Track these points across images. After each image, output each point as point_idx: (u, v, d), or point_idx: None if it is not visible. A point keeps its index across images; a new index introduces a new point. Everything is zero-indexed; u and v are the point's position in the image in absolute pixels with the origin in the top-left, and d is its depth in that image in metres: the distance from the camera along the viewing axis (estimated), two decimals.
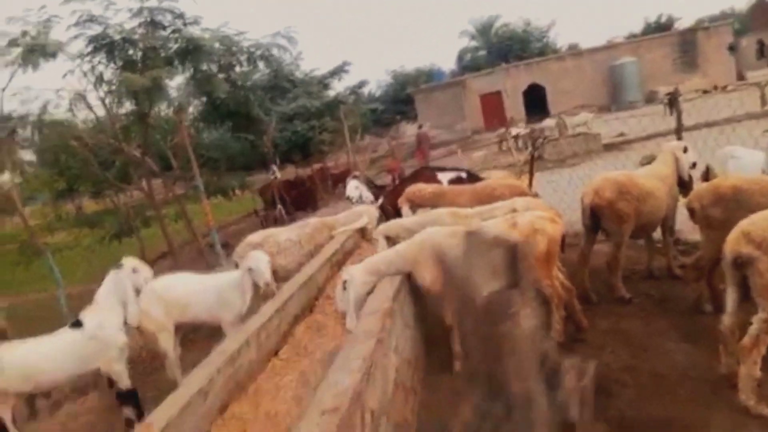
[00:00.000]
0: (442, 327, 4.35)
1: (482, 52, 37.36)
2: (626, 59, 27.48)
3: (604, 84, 28.13)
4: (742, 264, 2.74)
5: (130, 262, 4.08)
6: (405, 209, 6.28)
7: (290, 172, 18.20)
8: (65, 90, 9.79)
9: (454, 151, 18.65)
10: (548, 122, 19.42)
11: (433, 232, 3.91)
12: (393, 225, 4.88)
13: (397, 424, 2.92)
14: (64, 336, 3.90)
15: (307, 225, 5.70)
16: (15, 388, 3.77)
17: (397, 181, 10.70)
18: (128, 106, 10.24)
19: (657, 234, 5.01)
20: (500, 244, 2.56)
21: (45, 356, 3.78)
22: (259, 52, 11.58)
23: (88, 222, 12.01)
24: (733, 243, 2.79)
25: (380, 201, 6.86)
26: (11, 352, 3.77)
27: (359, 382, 2.40)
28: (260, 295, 4.12)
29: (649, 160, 5.93)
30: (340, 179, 17.51)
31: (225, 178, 14.99)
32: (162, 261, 11.96)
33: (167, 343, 4.21)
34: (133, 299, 3.97)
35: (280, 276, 5.15)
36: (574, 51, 32.77)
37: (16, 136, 10.80)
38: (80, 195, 17.87)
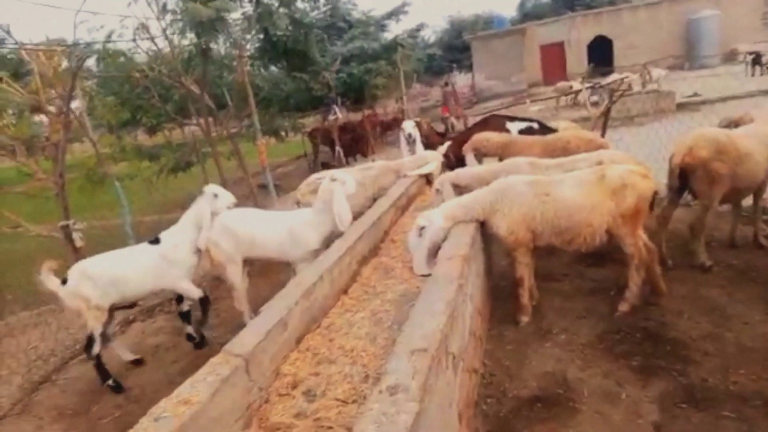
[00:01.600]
0: (510, 279, 4.27)
1: (546, 0, 35.14)
2: (707, 12, 25.17)
3: (680, 39, 26.02)
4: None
5: (211, 188, 4.21)
6: (470, 157, 6.08)
7: (341, 117, 18.00)
8: (129, 18, 9.82)
9: (517, 103, 17.82)
10: (610, 78, 18.27)
11: (513, 180, 3.73)
12: (463, 173, 4.72)
13: (470, 371, 2.89)
14: (143, 250, 4.12)
15: (372, 168, 5.60)
16: (106, 300, 3.94)
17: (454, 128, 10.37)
18: (190, 38, 10.19)
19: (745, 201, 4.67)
20: None
21: (128, 267, 3.98)
22: None
23: (149, 154, 12.33)
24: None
25: (444, 148, 6.64)
26: (96, 265, 3.96)
27: (445, 324, 2.34)
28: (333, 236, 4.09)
29: (729, 123, 5.43)
30: (390, 127, 17.22)
31: (277, 118, 14.98)
32: None
33: (235, 276, 4.29)
34: (208, 224, 4.10)
35: None
36: (650, 1, 30.34)
37: (81, 65, 11.00)
38: (137, 129, 18.35)
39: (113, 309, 4.11)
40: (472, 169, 4.82)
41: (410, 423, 1.70)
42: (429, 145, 7.47)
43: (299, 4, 11.70)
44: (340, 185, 4.06)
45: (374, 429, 1.69)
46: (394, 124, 15.77)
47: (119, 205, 7.51)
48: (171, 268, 4.07)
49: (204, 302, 4.25)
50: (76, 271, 3.92)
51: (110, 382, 3.96)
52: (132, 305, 4.39)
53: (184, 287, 4.16)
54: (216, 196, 4.21)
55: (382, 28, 16.81)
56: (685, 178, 4.20)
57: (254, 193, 11.15)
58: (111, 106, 11.08)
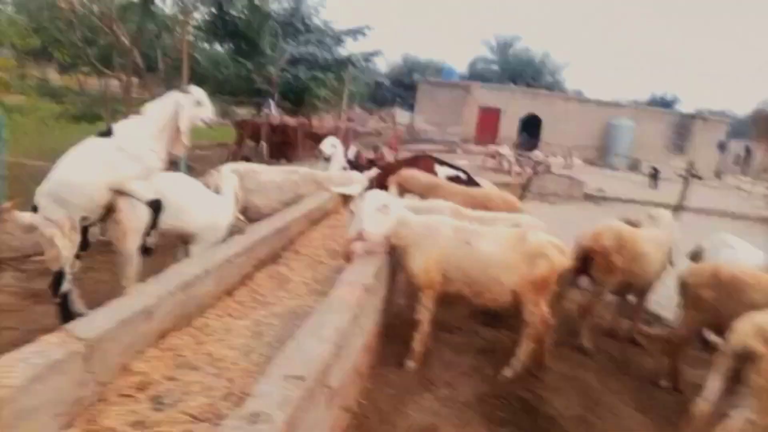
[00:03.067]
0: (405, 320, 4.15)
1: (495, 67, 37.33)
2: (626, 121, 28.08)
3: (598, 137, 28.66)
4: (745, 358, 2.63)
5: (198, 92, 3.65)
6: (392, 190, 6.01)
7: (276, 117, 17.49)
8: None
9: (449, 151, 18.37)
10: (536, 154, 19.52)
11: (441, 221, 3.66)
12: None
13: (343, 408, 2.67)
14: (90, 145, 3.44)
15: (296, 172, 5.32)
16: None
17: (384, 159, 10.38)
18: None
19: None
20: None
21: (74, 168, 3.33)
22: None
23: (53, 93, 11.03)
24: (743, 334, 2.67)
25: (369, 173, 6.53)
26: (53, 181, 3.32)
27: (330, 354, 2.13)
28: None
29: (627, 221, 5.89)
30: (321, 140, 16.96)
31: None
32: None
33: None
34: (185, 130, 3.56)
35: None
36: (582, 97, 33.26)
37: None
38: (48, 64, 16.50)
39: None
40: (403, 201, 4.70)
41: None
42: (357, 168, 7.35)
43: None
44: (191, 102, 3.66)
45: None
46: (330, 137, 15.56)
47: None
48: (126, 163, 3.38)
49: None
50: (42, 194, 3.26)
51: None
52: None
53: (133, 188, 3.44)
54: (200, 103, 3.64)
55: (339, 42, 16.71)
56: (585, 261, 4.39)
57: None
58: (21, 27, 9.79)
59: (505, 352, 3.98)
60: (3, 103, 8.72)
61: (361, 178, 5.71)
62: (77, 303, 3.65)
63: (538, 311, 3.56)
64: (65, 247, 3.27)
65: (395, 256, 3.76)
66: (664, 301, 5.42)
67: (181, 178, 4.07)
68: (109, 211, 3.51)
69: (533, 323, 3.58)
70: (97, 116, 11.41)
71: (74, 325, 2.06)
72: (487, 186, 6.54)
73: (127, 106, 10.45)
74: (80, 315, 3.47)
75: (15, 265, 4.76)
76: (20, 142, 9.79)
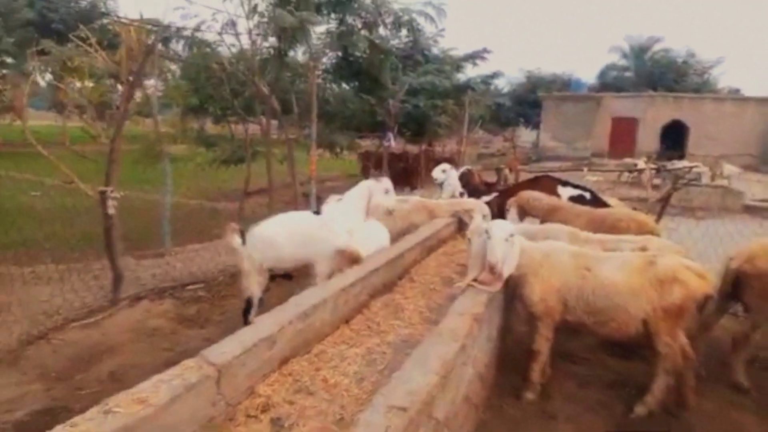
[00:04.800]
0: (524, 349, 4.00)
1: (629, 74, 34.53)
2: None
3: (760, 139, 24.87)
4: None
5: (386, 182, 4.19)
6: (512, 212, 5.86)
7: (398, 146, 18.13)
8: (221, 14, 10.30)
9: (576, 169, 17.36)
10: (682, 164, 17.51)
11: (558, 247, 3.51)
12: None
13: None
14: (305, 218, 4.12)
15: (407, 201, 5.47)
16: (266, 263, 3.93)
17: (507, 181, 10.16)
18: (271, 41, 10.54)
19: None
20: None
21: (288, 237, 3.95)
22: (405, 18, 11.37)
23: (207, 141, 12.72)
24: None
25: (486, 198, 6.45)
26: (262, 230, 3.97)
27: (435, 385, 2.15)
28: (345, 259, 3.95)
29: None
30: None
31: (336, 134, 15.20)
32: (257, 196, 12.47)
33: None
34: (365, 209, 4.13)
35: None
36: (738, 96, 29.25)
37: (168, 47, 11.61)
38: (204, 117, 19.09)
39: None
40: (518, 226, 4.58)
41: None
42: (475, 193, 7.30)
43: (381, 31, 11.92)
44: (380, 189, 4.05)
45: None
46: (451, 162, 15.71)
47: (164, 183, 7.69)
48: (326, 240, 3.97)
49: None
50: (253, 234, 3.96)
51: None
52: (289, 276, 4.30)
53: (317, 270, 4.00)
54: (387, 191, 4.21)
55: (458, 68, 16.88)
56: (738, 286, 3.84)
57: (297, 199, 11.26)
58: (184, 89, 11.52)
59: (638, 387, 3.62)
60: (169, 154, 10.29)
61: (476, 203, 5.66)
62: None
63: (675, 342, 3.20)
64: (251, 283, 3.85)
65: (511, 284, 3.67)
66: None
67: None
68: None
69: (669, 355, 3.22)
70: (241, 159, 12.86)
71: (208, 352, 2.35)
72: (615, 205, 6.06)
73: (267, 147, 11.68)
74: None
75: (174, 293, 5.53)
76: (180, 184, 11.45)
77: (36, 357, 4.06)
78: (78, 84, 9.19)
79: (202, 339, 4.18)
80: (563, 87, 33.52)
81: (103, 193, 4.92)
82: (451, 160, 13.83)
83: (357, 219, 4.04)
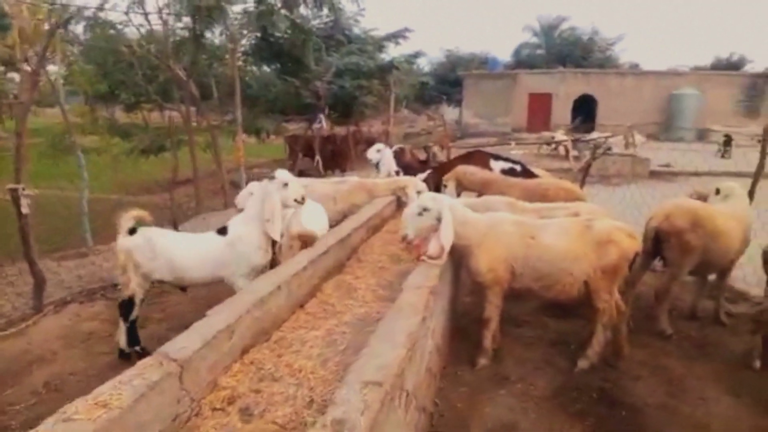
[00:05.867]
0: (471, 318, 4.17)
1: (541, 51, 36.21)
2: (689, 90, 26.41)
3: (660, 110, 27.13)
4: None
5: (281, 174, 3.82)
6: (450, 187, 6.03)
7: (326, 129, 17.90)
8: None
9: (502, 143, 18.01)
10: (593, 135, 18.74)
11: (502, 217, 3.64)
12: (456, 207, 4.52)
13: (419, 409, 2.72)
14: (208, 239, 3.82)
15: (345, 182, 5.46)
16: (158, 276, 3.71)
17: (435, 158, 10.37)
18: (185, 22, 9.95)
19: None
20: None
21: (189, 253, 3.71)
22: None
23: (122, 132, 11.87)
24: None
25: (423, 175, 6.57)
26: (162, 240, 3.68)
27: (404, 358, 2.19)
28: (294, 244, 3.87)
29: (698, 196, 5.55)
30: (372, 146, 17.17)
31: (261, 118, 14.73)
32: (182, 187, 11.87)
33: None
34: (278, 215, 3.71)
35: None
36: (637, 70, 31.63)
37: (67, 29, 10.59)
38: (114, 105, 17.73)
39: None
40: (459, 200, 4.70)
41: None
42: (410, 170, 7.40)
43: (302, 10, 11.61)
44: (277, 187, 3.75)
45: None
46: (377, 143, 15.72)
47: (80, 178, 7.11)
48: (234, 260, 3.72)
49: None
50: (144, 233, 3.68)
51: (137, 348, 3.79)
52: (183, 288, 4.04)
53: (238, 284, 3.70)
54: (286, 185, 3.78)
55: (381, 48, 16.86)
56: (658, 243, 4.21)
57: (225, 189, 10.82)
58: (90, 75, 10.62)
59: (578, 343, 3.91)
60: (81, 145, 9.48)
61: (413, 181, 5.75)
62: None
63: (611, 299, 3.47)
64: (135, 284, 3.69)
65: (457, 256, 3.78)
66: (751, 277, 5.09)
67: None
68: None
69: (606, 311, 3.49)
70: (161, 148, 12.14)
71: (167, 347, 2.24)
72: (544, 176, 6.40)
73: (189, 134, 11.10)
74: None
75: (105, 294, 5.17)
76: (96, 177, 10.64)
77: None
78: None
79: (144, 338, 3.95)
80: (481, 65, 34.54)
81: (14, 191, 4.47)
82: (380, 141, 13.90)
83: (260, 234, 3.78)
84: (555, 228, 3.54)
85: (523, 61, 35.31)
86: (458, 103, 31.51)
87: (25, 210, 4.53)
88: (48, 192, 9.04)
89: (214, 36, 12.16)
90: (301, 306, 3.33)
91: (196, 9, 8.68)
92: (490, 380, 3.53)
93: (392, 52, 17.36)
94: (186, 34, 10.30)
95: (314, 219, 4.14)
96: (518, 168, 6.36)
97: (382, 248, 4.57)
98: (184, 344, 2.28)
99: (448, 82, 33.10)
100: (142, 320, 4.44)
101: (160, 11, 9.68)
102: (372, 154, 7.47)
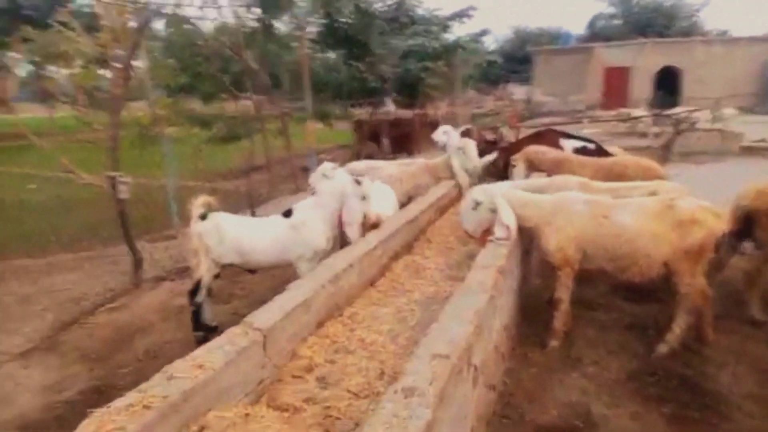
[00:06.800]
0: (541, 299, 4.12)
1: (617, 22, 33.99)
2: None
3: (753, 81, 24.76)
4: None
5: (367, 187, 3.83)
6: (519, 168, 5.92)
7: (390, 112, 17.95)
8: None
9: (574, 122, 17.23)
10: (676, 111, 17.45)
11: (572, 196, 3.57)
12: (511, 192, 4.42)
13: (488, 386, 2.77)
14: (273, 223, 3.96)
15: (412, 164, 5.51)
16: (227, 260, 3.86)
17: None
18: (256, 13, 10.31)
19: None
20: None
21: (256, 235, 3.85)
22: None
23: (202, 121, 12.58)
24: None
25: (489, 156, 6.47)
26: (230, 225, 3.85)
27: (471, 333, 2.24)
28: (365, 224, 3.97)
29: None
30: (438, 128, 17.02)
31: (328, 104, 15.01)
32: (255, 173, 12.43)
33: None
34: (357, 221, 3.80)
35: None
36: (726, 37, 28.97)
37: (149, 26, 11.31)
38: (195, 96, 18.77)
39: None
40: (519, 183, 4.64)
41: (421, 429, 1.61)
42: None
43: None
44: (358, 197, 3.79)
45: (383, 430, 1.60)
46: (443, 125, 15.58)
47: (166, 166, 7.66)
48: (299, 244, 3.83)
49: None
50: (213, 219, 3.86)
51: (199, 334, 3.87)
52: (252, 271, 4.21)
53: (303, 268, 3.79)
54: (365, 198, 3.80)
55: (445, 28, 16.55)
56: (748, 224, 3.93)
57: (295, 174, 11.22)
58: (171, 69, 11.32)
59: (655, 328, 3.75)
60: (164, 135, 10.19)
61: (479, 163, 5.69)
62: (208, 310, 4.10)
63: (695, 282, 3.30)
64: (204, 267, 3.85)
65: (526, 237, 3.75)
66: None
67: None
68: None
69: (689, 295, 3.32)
70: (237, 137, 12.75)
71: (251, 318, 2.43)
72: (618, 153, 6.10)
73: (261, 121, 11.58)
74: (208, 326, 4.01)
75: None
76: (179, 166, 11.38)
77: (72, 341, 4.16)
78: (65, 71, 9.01)
79: (228, 313, 4.27)
80: (551, 41, 33.03)
81: (112, 178, 4.92)
82: (447, 123, 13.77)
83: (325, 221, 3.85)
84: (632, 207, 3.41)
85: (599, 34, 33.32)
86: (528, 81, 30.38)
87: (123, 195, 4.97)
88: (136, 180, 9.81)
89: (283, 24, 12.49)
90: (372, 284, 3.46)
91: (264, 1, 8.95)
92: (561, 362, 3.49)
93: (457, 32, 17.03)
94: (256, 24, 10.65)
95: (383, 201, 4.23)
96: (591, 146, 6.11)
97: (450, 229, 4.61)
98: (266, 315, 2.46)
99: (516, 60, 31.98)
100: (227, 296, 4.80)
101: (232, 4, 10.12)
102: (439, 136, 7.45)
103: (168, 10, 11.09)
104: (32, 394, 3.51)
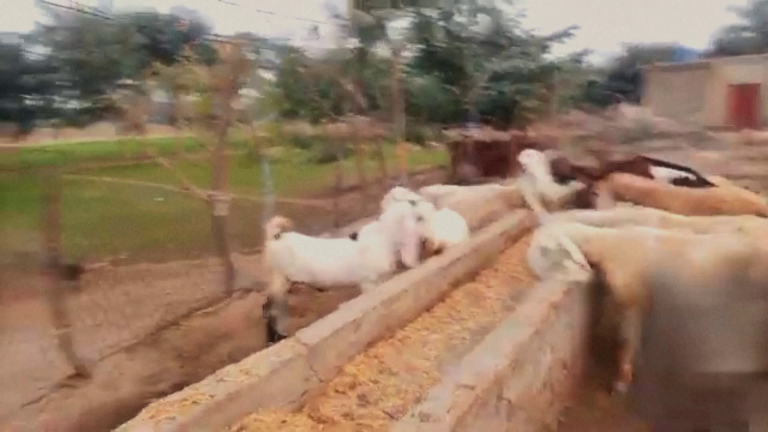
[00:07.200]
0: (613, 338, 3.92)
1: (749, 34, 30.75)
2: None
3: None
4: None
5: (423, 207, 3.96)
6: (604, 196, 5.66)
7: (486, 134, 17.84)
8: (306, 20, 10.91)
9: (690, 145, 15.86)
10: None
11: (643, 231, 3.41)
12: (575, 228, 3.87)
13: (533, 423, 2.73)
14: (341, 244, 4.25)
15: (490, 190, 5.51)
16: (297, 278, 4.19)
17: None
18: (353, 42, 10.96)
19: None
20: None
21: (324, 256, 4.14)
22: (482, 3, 11.24)
23: (301, 143, 13.51)
24: None
25: (575, 184, 6.24)
26: (301, 245, 4.17)
27: (504, 367, 2.26)
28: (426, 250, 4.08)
29: None
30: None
31: (423, 126, 15.33)
32: (350, 193, 13.02)
33: None
34: (412, 242, 3.87)
35: None
36: None
37: (259, 56, 12.51)
38: (300, 119, 20.21)
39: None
40: (590, 215, 4.45)
41: None
42: (563, 178, 7.08)
43: (458, 18, 11.85)
44: (414, 218, 3.87)
45: None
46: (542, 148, 15.12)
47: (263, 184, 8.37)
48: (363, 266, 4.01)
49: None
50: (287, 239, 4.15)
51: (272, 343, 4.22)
52: (321, 289, 4.50)
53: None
54: (421, 219, 3.89)
55: (544, 49, 16.19)
56: None
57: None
58: (276, 97, 12.35)
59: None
60: (269, 156, 11.12)
61: (551, 189, 5.52)
62: (282, 320, 4.38)
63: None
64: (277, 283, 4.18)
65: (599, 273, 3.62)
66: None
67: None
68: None
69: None
70: (334, 157, 13.48)
71: (301, 333, 2.66)
72: (720, 183, 5.58)
73: (356, 143, 12.17)
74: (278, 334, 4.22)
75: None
76: (281, 184, 12.28)
77: (170, 340, 4.76)
78: (187, 98, 10.23)
79: (301, 326, 4.55)
80: (665, 57, 30.65)
81: (210, 196, 5.53)
82: (545, 145, 13.38)
83: (388, 244, 3.97)
84: (708, 245, 3.17)
85: (726, 48, 30.35)
86: (638, 101, 28.46)
87: (220, 213, 5.56)
88: (241, 196, 10.78)
89: (379, 50, 13.09)
90: (428, 309, 3.56)
91: (361, 29, 9.50)
92: (628, 408, 3.32)
93: (558, 52, 16.55)
94: (353, 52, 11.30)
95: (450, 227, 4.32)
96: (687, 175, 5.66)
97: (519, 258, 4.55)
98: (315, 332, 2.67)
99: (624, 79, 30.10)
100: (302, 310, 5.14)
101: (332, 35, 10.88)
102: (523, 158, 7.27)
103: (278, 42, 12.20)
104: (132, 383, 4.07)
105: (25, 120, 23.24)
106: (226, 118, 7.16)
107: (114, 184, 7.23)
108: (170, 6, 28.09)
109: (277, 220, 4.23)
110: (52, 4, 21.30)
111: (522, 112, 15.08)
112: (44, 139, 26.59)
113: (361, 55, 10.77)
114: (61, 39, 23.85)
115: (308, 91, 12.40)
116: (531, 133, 19.30)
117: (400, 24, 11.89)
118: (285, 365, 2.35)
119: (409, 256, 3.86)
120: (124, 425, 1.91)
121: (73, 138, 28.08)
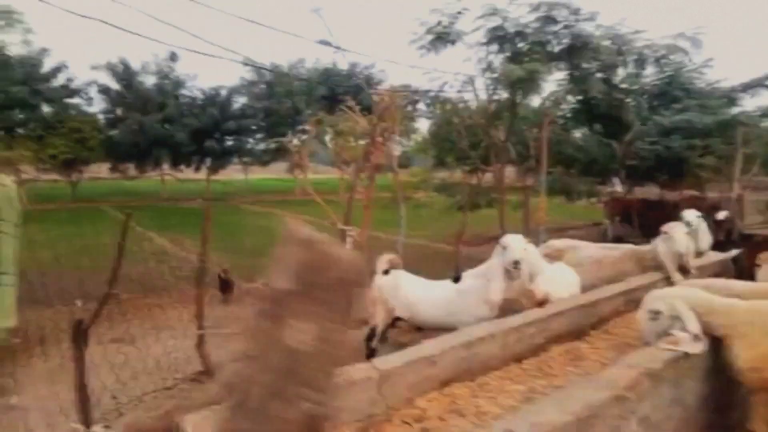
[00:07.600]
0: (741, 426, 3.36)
1: None
2: None
3: None
4: None
5: (505, 239, 3.99)
6: (764, 269, 4.91)
7: (650, 191, 16.31)
8: (460, 73, 11.44)
9: None
10: None
11: None
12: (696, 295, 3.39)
13: None
14: (442, 286, 4.40)
15: (618, 249, 5.13)
16: (398, 313, 4.42)
17: None
18: (504, 94, 11.14)
19: None
20: None
21: (425, 295, 4.32)
22: (651, 54, 10.59)
23: (445, 189, 13.92)
24: None
25: (734, 252, 5.49)
26: (405, 282, 4.42)
27: (566, 423, 2.16)
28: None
29: None
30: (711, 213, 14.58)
31: (575, 179, 14.65)
32: (491, 243, 12.92)
33: None
34: (498, 276, 3.92)
35: None
36: None
37: (416, 107, 13.36)
38: (448, 166, 20.89)
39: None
40: (736, 283, 3.90)
41: None
42: (725, 244, 6.26)
43: (621, 71, 11.31)
44: (498, 251, 3.85)
45: None
46: (721, 210, 13.31)
47: (398, 225, 8.86)
48: (461, 310, 4.04)
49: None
50: (394, 275, 4.38)
51: None
52: (419, 329, 4.63)
53: None
54: (504, 248, 3.91)
55: (731, 101, 14.38)
56: None
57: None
58: (427, 145, 13.01)
59: None
60: (411, 200, 11.73)
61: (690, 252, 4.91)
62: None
63: None
64: (380, 316, 4.37)
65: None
66: None
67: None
68: None
69: None
70: (476, 205, 13.58)
71: (378, 360, 2.84)
72: None
73: (501, 194, 12.14)
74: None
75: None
76: (418, 226, 12.73)
77: None
78: (345, 143, 11.40)
79: None
80: None
81: (342, 231, 6.10)
82: (719, 207, 11.80)
83: (486, 283, 3.93)
84: None
85: None
86: None
87: (348, 246, 6.08)
88: (382, 235, 11.44)
89: (534, 102, 13.02)
90: (519, 360, 3.46)
91: (512, 83, 9.66)
92: None
93: (748, 104, 14.57)
94: (503, 104, 11.46)
95: (557, 281, 4.15)
96: None
97: (638, 324, 4.15)
98: (390, 361, 2.83)
99: None
100: (400, 345, 5.31)
101: (486, 87, 11.16)
102: (688, 215, 6.52)
103: (433, 94, 12.95)
104: None
105: (222, 158, 27.84)
106: (376, 162, 7.84)
107: (280, 216, 8.34)
108: (349, 62, 31.59)
109: (387, 257, 4.49)
110: (256, 64, 25.57)
111: (694, 169, 13.54)
112: (235, 174, 31.54)
113: (511, 107, 10.86)
114: (258, 91, 28.46)
115: (458, 140, 12.83)
116: (710, 193, 17.13)
117: (557, 76, 11.75)
118: (354, 384, 2.55)
119: (494, 293, 3.82)
120: None
121: (258, 174, 32.84)
